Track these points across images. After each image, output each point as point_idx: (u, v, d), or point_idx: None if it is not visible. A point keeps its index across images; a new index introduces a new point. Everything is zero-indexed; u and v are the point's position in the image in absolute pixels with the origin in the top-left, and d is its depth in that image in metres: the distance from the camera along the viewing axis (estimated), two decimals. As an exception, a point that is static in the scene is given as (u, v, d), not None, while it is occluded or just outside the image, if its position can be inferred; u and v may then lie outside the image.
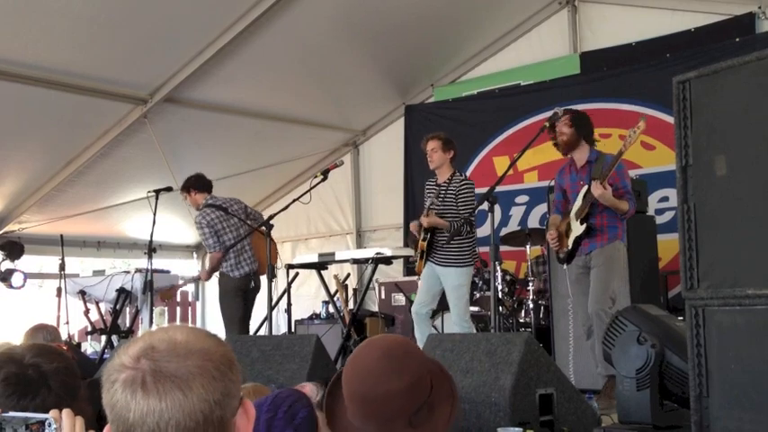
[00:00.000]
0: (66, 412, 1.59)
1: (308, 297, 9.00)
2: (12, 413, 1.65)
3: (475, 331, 6.05)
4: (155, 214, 6.93)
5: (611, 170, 5.10)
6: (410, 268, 7.84)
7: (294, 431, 2.47)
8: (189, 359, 1.29)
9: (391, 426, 2.02)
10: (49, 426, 1.58)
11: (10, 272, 8.49)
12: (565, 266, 5.54)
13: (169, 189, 7.18)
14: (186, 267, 10.76)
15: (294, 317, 7.68)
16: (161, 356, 1.28)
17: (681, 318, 3.64)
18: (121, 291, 8.24)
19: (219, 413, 1.29)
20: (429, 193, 6.39)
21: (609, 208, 5.24)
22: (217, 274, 7.09)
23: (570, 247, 5.39)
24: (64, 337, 7.90)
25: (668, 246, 6.47)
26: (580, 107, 7.76)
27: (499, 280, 7.11)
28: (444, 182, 6.24)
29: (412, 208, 8.89)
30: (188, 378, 1.27)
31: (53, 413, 1.59)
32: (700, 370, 2.71)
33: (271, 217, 6.28)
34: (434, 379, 2.12)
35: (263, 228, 6.20)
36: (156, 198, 6.95)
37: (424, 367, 2.09)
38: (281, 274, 6.82)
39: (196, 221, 7.04)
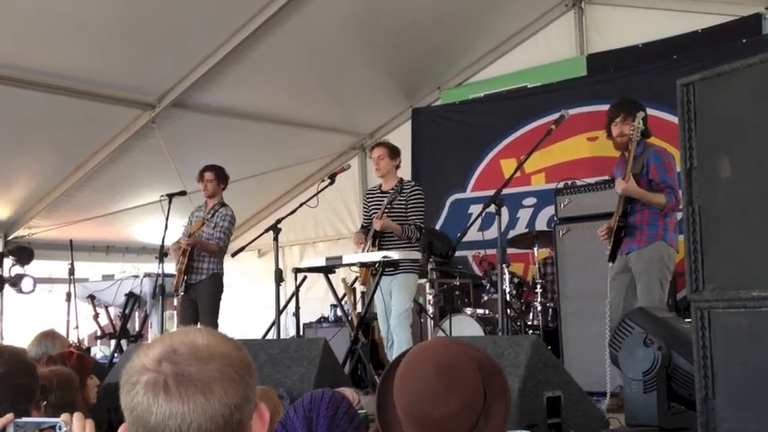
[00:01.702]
0: (76, 416, 1.61)
1: (316, 300, 8.99)
2: (24, 419, 1.67)
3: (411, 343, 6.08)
4: (167, 218, 6.97)
5: (628, 169, 5.08)
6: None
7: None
8: (210, 363, 1.30)
9: None
10: (60, 429, 1.60)
11: (20, 277, 8.51)
12: (610, 264, 5.42)
13: (183, 193, 7.21)
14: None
15: (302, 320, 7.69)
16: (183, 360, 1.29)
17: (688, 320, 3.64)
18: (130, 295, 8.28)
19: (239, 417, 1.30)
20: (371, 201, 6.49)
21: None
22: (209, 269, 7.13)
23: (611, 244, 5.30)
24: (74, 341, 7.94)
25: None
26: (587, 109, 7.81)
27: (507, 282, 7.11)
28: (392, 189, 6.31)
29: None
30: (210, 382, 1.28)
31: (64, 417, 1.61)
32: (705, 372, 2.71)
33: (279, 221, 6.31)
34: (486, 381, 2.06)
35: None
36: (170, 202, 6.99)
37: (476, 375, 2.03)
38: (288, 277, 6.83)
39: (230, 214, 7.21)
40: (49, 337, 4.46)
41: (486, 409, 2.02)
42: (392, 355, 6.12)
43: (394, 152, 6.47)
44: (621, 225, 5.19)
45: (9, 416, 1.66)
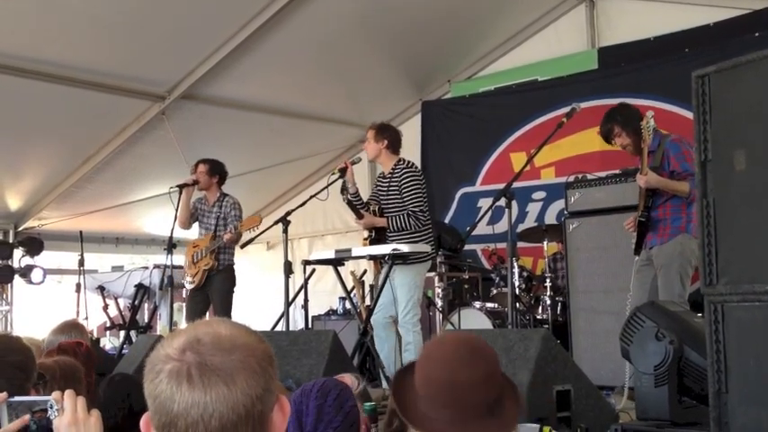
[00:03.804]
0: (68, 393, 1.62)
1: (325, 293, 9.00)
2: (17, 398, 1.69)
3: (421, 340, 5.93)
4: (177, 209, 6.97)
5: (644, 164, 5.09)
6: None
7: (344, 418, 2.52)
8: (233, 353, 1.31)
9: (471, 412, 2.01)
10: (51, 407, 1.62)
11: (30, 268, 8.56)
12: (636, 258, 5.43)
13: (195, 183, 7.18)
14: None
15: (311, 313, 7.69)
16: (206, 350, 1.30)
17: (700, 314, 3.62)
18: (140, 286, 8.31)
19: (260, 408, 1.31)
20: (377, 188, 6.30)
21: (674, 196, 5.16)
22: (224, 259, 7.14)
23: (636, 237, 5.32)
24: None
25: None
26: (598, 103, 7.75)
27: (516, 276, 7.09)
28: (389, 172, 6.13)
29: (429, 204, 8.90)
30: (232, 372, 1.29)
31: (55, 395, 1.63)
32: (718, 366, 2.70)
33: (288, 213, 6.28)
34: (503, 377, 2.14)
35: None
36: (180, 193, 6.97)
37: (497, 359, 2.12)
38: (297, 270, 6.82)
39: (237, 204, 7.21)
40: (65, 330, 4.46)
41: (503, 396, 2.05)
42: (380, 345, 5.98)
43: (379, 132, 6.11)
44: (643, 220, 5.20)
45: (2, 395, 1.67)
